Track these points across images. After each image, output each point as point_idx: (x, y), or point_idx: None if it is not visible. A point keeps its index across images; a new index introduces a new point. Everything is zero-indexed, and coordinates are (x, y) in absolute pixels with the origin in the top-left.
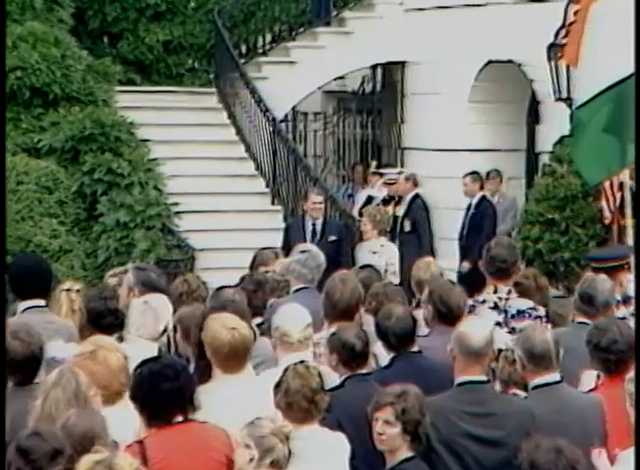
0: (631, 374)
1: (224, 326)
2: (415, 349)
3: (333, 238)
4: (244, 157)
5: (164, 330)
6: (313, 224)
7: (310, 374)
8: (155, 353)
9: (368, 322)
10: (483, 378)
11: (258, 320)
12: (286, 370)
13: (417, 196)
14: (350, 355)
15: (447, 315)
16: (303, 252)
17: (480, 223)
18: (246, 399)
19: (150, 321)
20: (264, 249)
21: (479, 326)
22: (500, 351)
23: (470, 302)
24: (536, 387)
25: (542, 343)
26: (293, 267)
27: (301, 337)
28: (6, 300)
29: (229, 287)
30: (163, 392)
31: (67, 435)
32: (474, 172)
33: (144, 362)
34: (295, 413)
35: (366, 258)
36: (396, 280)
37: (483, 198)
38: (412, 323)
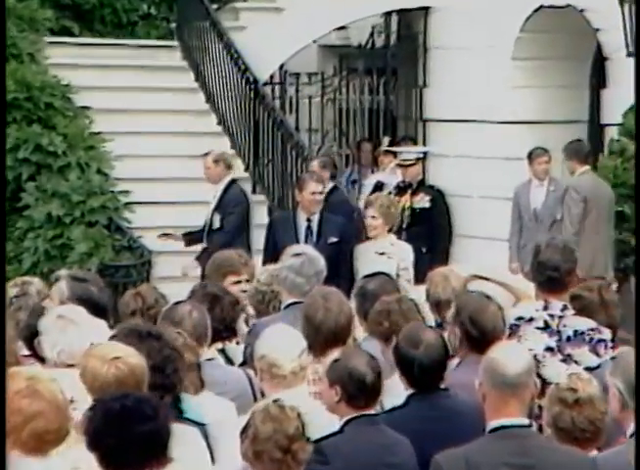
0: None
1: (103, 358)
2: (440, 386)
3: (333, 239)
4: (215, 131)
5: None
6: (308, 220)
7: (286, 416)
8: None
9: (368, 350)
10: (524, 420)
11: (219, 345)
12: (254, 412)
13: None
14: (359, 390)
15: (480, 340)
16: (298, 255)
17: None
18: None
19: (74, 340)
20: (228, 250)
21: (514, 350)
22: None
23: (512, 320)
24: None
25: None
26: (284, 276)
27: (295, 367)
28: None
29: (184, 302)
30: (140, 436)
31: None
32: None
33: (112, 398)
34: (265, 466)
35: (370, 262)
36: (412, 290)
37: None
38: (444, 354)
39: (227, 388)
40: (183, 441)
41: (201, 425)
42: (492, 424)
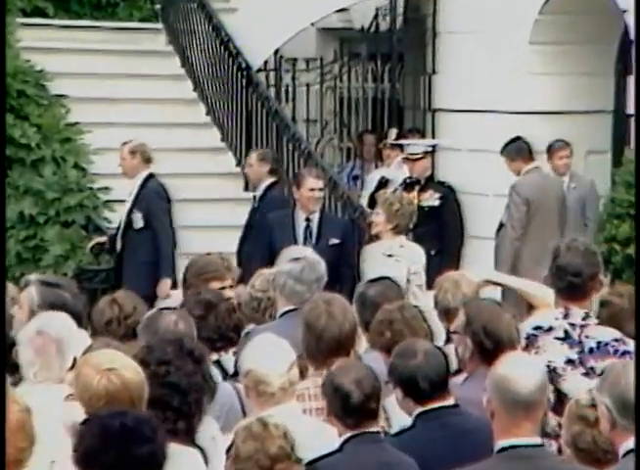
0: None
1: (97, 368)
2: (450, 401)
3: (334, 241)
4: (204, 122)
5: (74, 363)
6: (307, 220)
7: (269, 435)
8: (63, 398)
9: (370, 363)
10: (537, 440)
11: (214, 357)
12: (237, 430)
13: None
14: (343, 409)
15: (493, 352)
16: (297, 260)
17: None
18: None
19: (53, 359)
20: (208, 254)
21: (526, 364)
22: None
23: (529, 330)
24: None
25: None
26: (283, 282)
27: (284, 383)
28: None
29: (169, 310)
30: (137, 457)
31: None
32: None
33: (110, 414)
34: None
35: (378, 265)
36: (424, 297)
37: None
38: (445, 363)
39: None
40: (185, 464)
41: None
42: (501, 443)
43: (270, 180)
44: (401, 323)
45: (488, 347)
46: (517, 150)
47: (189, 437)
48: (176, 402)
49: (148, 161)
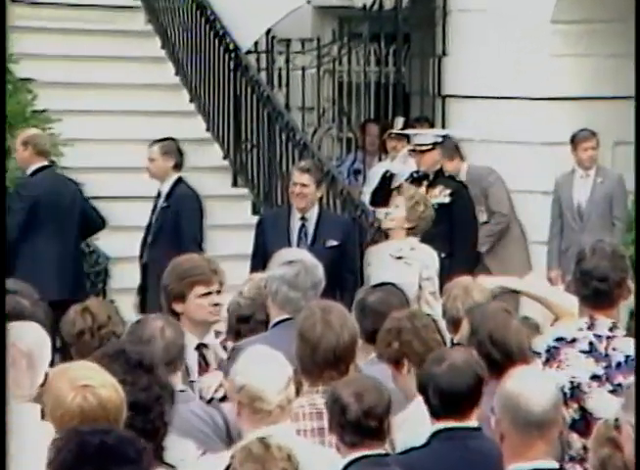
0: None
1: (72, 383)
2: (470, 423)
3: (332, 243)
4: (187, 110)
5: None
6: (303, 219)
7: (271, 457)
8: (38, 418)
9: (375, 375)
10: (553, 464)
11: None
12: (236, 451)
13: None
14: (341, 424)
15: (503, 364)
16: (291, 263)
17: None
18: None
19: (23, 376)
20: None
21: (537, 380)
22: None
23: (550, 342)
24: None
25: None
26: (275, 288)
27: (282, 401)
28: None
29: (155, 316)
30: None
31: None
32: None
33: (90, 431)
34: None
35: (385, 269)
36: (437, 305)
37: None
38: (475, 380)
39: (193, 427)
40: None
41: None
42: (513, 468)
43: (176, 176)
44: (411, 333)
45: (496, 358)
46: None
47: (157, 455)
48: (139, 423)
49: (41, 154)
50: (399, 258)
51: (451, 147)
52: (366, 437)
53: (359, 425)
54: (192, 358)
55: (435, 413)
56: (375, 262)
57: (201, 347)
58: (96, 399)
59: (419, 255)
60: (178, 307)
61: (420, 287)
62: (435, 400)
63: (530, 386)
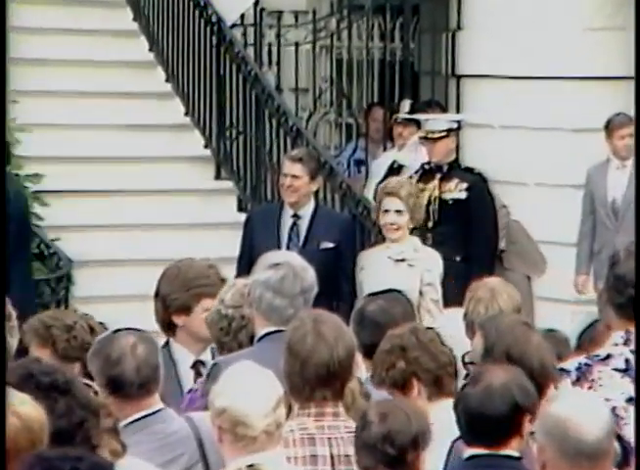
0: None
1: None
2: (510, 451)
3: (327, 245)
4: (163, 91)
5: None
6: (294, 217)
7: None
8: None
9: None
10: None
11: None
12: None
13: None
14: (360, 445)
15: None
16: (276, 266)
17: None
18: None
19: None
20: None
21: (589, 403)
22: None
23: (581, 358)
24: None
25: None
26: (259, 295)
27: (270, 426)
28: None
29: (129, 330)
30: None
31: None
32: None
33: (58, 456)
34: None
35: (382, 273)
36: (439, 315)
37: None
38: (513, 406)
39: (169, 449)
40: None
41: None
42: None
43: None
44: (417, 349)
45: None
46: None
47: None
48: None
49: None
50: (401, 260)
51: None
52: (381, 463)
53: (375, 448)
54: (187, 377)
55: (465, 439)
56: (369, 267)
57: (197, 364)
58: (20, 420)
59: (422, 257)
60: (179, 320)
61: (420, 293)
62: (463, 424)
63: (581, 410)
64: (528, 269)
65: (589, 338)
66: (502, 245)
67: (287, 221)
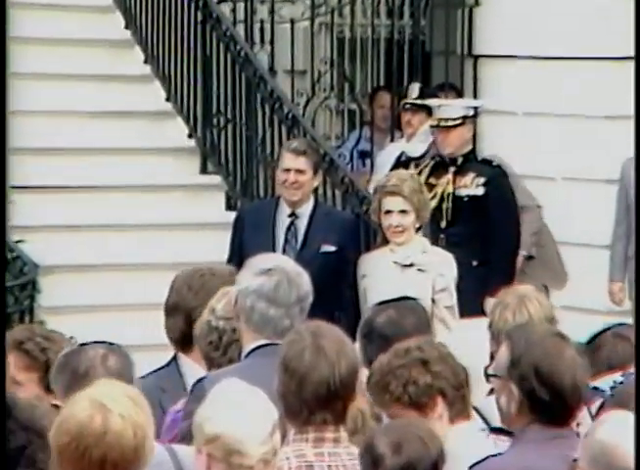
0: None
1: None
2: None
3: (329, 248)
4: (142, 74)
5: None
6: (292, 216)
7: None
8: None
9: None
10: None
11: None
12: None
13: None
14: None
15: (554, 406)
16: (268, 271)
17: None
18: None
19: None
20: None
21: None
22: None
23: (617, 377)
24: None
25: None
26: (250, 305)
27: (267, 453)
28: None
29: (98, 343)
30: None
31: None
32: None
33: None
34: None
35: (387, 280)
36: (455, 324)
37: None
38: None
39: None
40: None
41: None
42: None
43: None
44: (440, 362)
45: (544, 398)
46: None
47: None
48: None
49: None
50: (409, 265)
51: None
52: None
53: None
54: None
55: None
56: (373, 273)
57: None
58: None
59: (433, 260)
60: None
61: (433, 301)
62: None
63: (629, 436)
64: (549, 280)
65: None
66: (532, 251)
67: (283, 221)
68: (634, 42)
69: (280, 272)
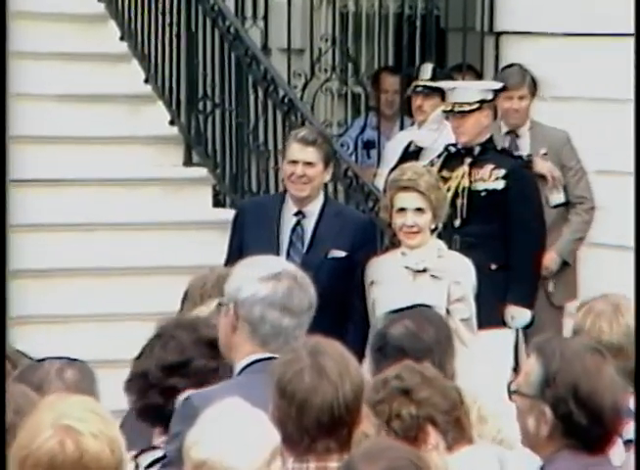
0: None
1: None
2: None
3: (339, 254)
4: (118, 53)
5: None
6: (299, 214)
7: None
8: None
9: None
10: None
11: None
12: None
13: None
14: None
15: (591, 430)
16: (276, 276)
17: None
18: None
19: None
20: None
21: None
22: None
23: None
24: None
25: None
26: (259, 314)
27: None
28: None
29: (57, 359)
30: None
31: None
32: None
33: None
34: None
35: (397, 288)
36: (472, 339)
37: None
38: None
39: None
40: None
41: None
42: None
43: None
44: (425, 387)
45: (581, 423)
46: None
47: None
48: None
49: None
50: (422, 270)
51: None
52: None
53: None
54: None
55: None
56: (382, 280)
57: None
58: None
59: (448, 266)
60: None
61: (447, 312)
62: None
63: None
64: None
65: None
66: (570, 258)
67: (288, 220)
68: (634, 53)
69: (288, 276)
